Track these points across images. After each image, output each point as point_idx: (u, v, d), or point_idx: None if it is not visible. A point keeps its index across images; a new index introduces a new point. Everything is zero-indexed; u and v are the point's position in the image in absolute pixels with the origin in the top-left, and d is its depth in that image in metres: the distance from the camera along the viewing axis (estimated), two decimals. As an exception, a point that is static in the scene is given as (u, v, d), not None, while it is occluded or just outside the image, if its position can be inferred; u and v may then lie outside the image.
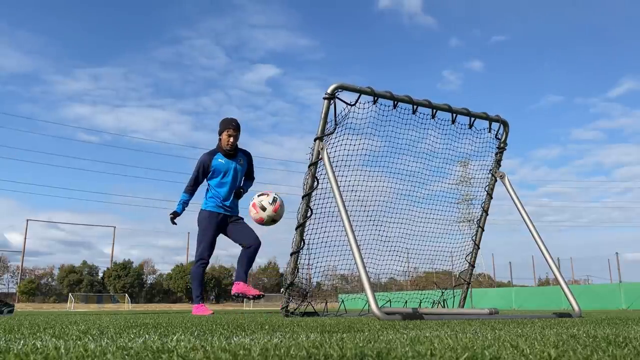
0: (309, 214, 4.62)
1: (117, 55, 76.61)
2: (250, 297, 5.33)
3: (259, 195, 5.09)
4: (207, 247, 5.44)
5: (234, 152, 5.61)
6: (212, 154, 5.57)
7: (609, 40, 75.28)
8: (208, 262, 5.49)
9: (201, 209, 5.52)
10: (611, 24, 75.35)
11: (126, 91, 72.65)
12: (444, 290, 5.70)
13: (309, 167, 4.57)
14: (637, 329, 2.23)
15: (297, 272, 4.73)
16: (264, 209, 4.98)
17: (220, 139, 5.58)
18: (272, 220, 5.04)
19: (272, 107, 79.49)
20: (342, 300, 6.21)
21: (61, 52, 71.66)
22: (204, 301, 5.60)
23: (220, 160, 5.55)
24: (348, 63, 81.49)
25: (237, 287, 5.35)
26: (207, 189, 5.59)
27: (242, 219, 5.65)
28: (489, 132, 5.42)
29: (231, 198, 5.58)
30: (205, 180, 5.60)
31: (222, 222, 5.51)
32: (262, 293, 5.56)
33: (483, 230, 5.69)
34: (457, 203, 5.70)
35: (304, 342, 1.48)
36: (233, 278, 5.66)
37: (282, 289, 4.78)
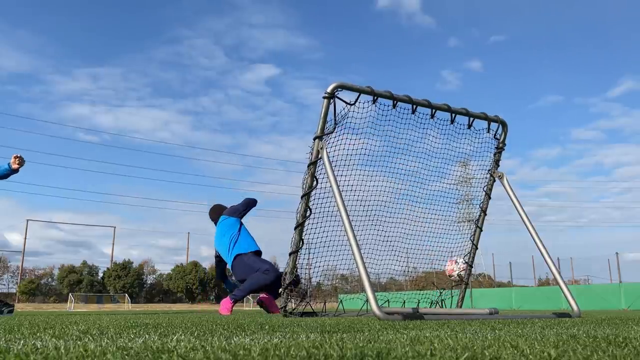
0: (308, 214, 4.62)
1: (116, 55, 76.67)
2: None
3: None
4: (263, 263, 5.99)
5: None
6: None
7: (608, 40, 75.31)
8: (271, 272, 5.80)
9: (240, 254, 6.02)
10: (611, 24, 75.39)
11: (125, 91, 72.66)
12: (442, 290, 5.70)
13: (308, 166, 4.57)
14: (637, 329, 2.23)
15: (296, 271, 4.73)
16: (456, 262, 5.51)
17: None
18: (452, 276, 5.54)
19: (271, 107, 79.53)
20: (341, 300, 6.21)
21: (60, 52, 71.69)
22: (234, 302, 5.86)
23: None
24: (347, 63, 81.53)
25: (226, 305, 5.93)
26: (237, 239, 6.18)
27: None
28: (488, 132, 5.42)
29: None
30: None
31: None
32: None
33: (481, 230, 5.69)
34: (457, 203, 5.70)
35: (304, 342, 1.48)
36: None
37: (280, 289, 4.79)
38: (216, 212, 6.68)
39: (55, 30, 71.59)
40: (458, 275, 5.23)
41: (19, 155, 5.53)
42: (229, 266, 6.28)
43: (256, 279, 5.74)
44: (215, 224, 6.69)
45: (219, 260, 6.72)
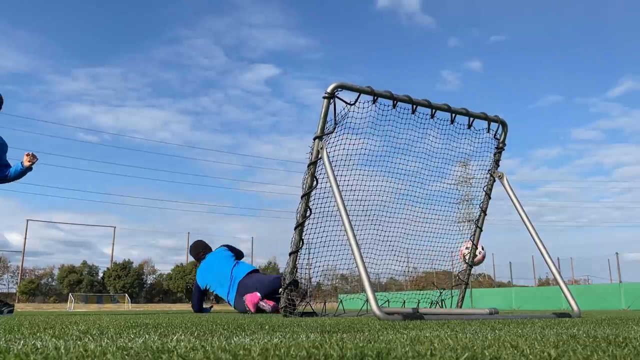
0: (308, 214, 4.62)
1: (116, 55, 76.38)
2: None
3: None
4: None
5: None
6: None
7: (608, 40, 75.07)
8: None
9: (250, 272, 6.68)
10: (611, 24, 75.26)
11: (125, 91, 72.39)
12: (442, 290, 5.70)
13: (308, 166, 4.57)
14: (637, 329, 2.23)
15: (296, 271, 4.73)
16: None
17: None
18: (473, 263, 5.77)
19: (271, 107, 79.29)
20: (341, 300, 6.22)
21: (60, 52, 71.38)
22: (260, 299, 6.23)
23: None
24: (347, 63, 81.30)
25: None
26: (238, 266, 6.80)
27: None
28: (488, 132, 5.42)
29: None
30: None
31: None
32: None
33: (481, 230, 5.69)
34: (457, 203, 5.70)
35: (304, 342, 1.48)
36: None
37: (280, 289, 4.80)
38: (199, 248, 7.03)
39: (55, 30, 71.39)
40: (470, 254, 5.58)
41: (30, 153, 5.55)
42: (226, 298, 6.68)
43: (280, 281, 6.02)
44: (198, 258, 6.99)
45: (199, 292, 6.90)
